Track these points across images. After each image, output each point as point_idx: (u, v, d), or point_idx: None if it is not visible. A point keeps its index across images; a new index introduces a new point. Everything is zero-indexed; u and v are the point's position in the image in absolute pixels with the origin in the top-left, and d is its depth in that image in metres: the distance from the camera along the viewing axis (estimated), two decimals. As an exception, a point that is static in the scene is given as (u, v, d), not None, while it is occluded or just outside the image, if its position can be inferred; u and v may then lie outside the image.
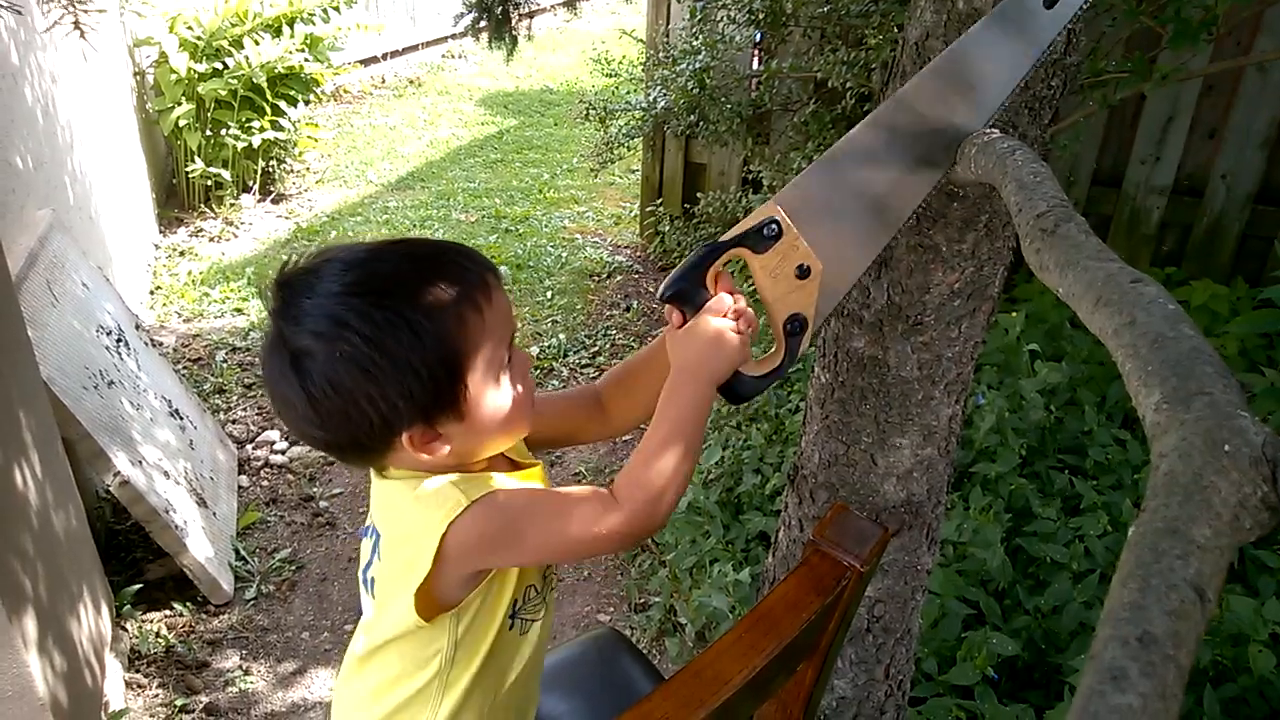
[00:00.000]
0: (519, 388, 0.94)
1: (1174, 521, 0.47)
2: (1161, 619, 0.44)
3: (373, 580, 0.99)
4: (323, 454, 2.73)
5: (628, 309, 3.70)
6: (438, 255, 0.90)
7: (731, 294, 0.96)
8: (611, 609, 2.27)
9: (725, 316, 0.95)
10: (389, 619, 0.94)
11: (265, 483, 2.69)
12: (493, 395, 0.91)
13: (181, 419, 2.56)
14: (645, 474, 0.90)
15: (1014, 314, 2.52)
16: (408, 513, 0.91)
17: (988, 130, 0.97)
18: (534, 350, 3.38)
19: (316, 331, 0.84)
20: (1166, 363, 0.56)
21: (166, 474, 2.26)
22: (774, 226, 0.95)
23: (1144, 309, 0.60)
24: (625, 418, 1.15)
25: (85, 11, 1.09)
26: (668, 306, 0.97)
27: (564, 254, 4.18)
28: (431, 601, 0.91)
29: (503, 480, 0.95)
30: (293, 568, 2.37)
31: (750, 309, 0.97)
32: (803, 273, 0.96)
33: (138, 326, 2.76)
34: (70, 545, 1.83)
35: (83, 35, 1.12)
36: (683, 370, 0.95)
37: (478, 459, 0.96)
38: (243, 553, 2.38)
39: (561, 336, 3.47)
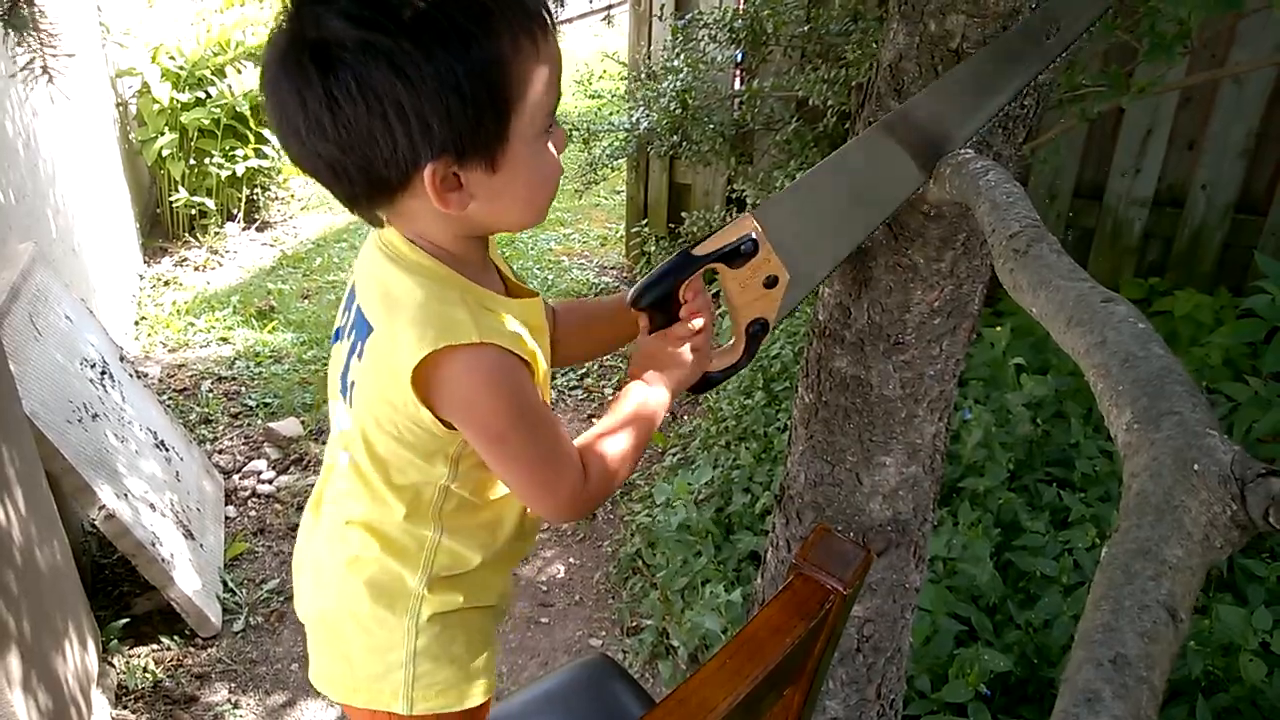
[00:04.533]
0: (554, 162, 0.86)
1: (1146, 542, 0.47)
2: (1134, 641, 0.44)
3: (353, 384, 0.91)
4: (309, 482, 2.72)
5: (615, 330, 3.70)
6: None
7: (704, 311, 0.99)
8: (604, 633, 2.25)
9: (695, 336, 0.99)
10: (375, 415, 0.88)
11: (253, 513, 2.67)
12: (531, 153, 0.82)
13: (167, 450, 2.54)
14: (612, 468, 0.92)
15: (999, 328, 2.53)
16: (408, 309, 0.83)
17: (962, 150, 0.98)
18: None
19: (354, 16, 0.72)
20: (1137, 382, 0.56)
21: (153, 506, 2.25)
22: (751, 244, 0.97)
23: (1114, 328, 0.61)
24: (568, 353, 1.14)
25: (54, 55, 1.09)
26: (635, 311, 1.00)
27: (550, 276, 4.18)
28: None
29: (525, 336, 0.87)
30: (281, 598, 2.35)
31: (713, 320, 1.01)
32: (770, 283, 1.00)
33: (122, 358, 2.75)
34: (55, 581, 1.81)
35: (51, 80, 1.12)
36: (648, 378, 0.98)
37: (489, 230, 0.89)
38: (231, 584, 2.37)
39: (549, 359, 3.46)
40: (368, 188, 0.80)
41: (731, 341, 1.04)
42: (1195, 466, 0.49)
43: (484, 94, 0.76)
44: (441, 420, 0.87)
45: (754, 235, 0.97)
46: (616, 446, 0.93)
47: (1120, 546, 0.48)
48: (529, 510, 0.99)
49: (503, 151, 0.80)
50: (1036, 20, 0.97)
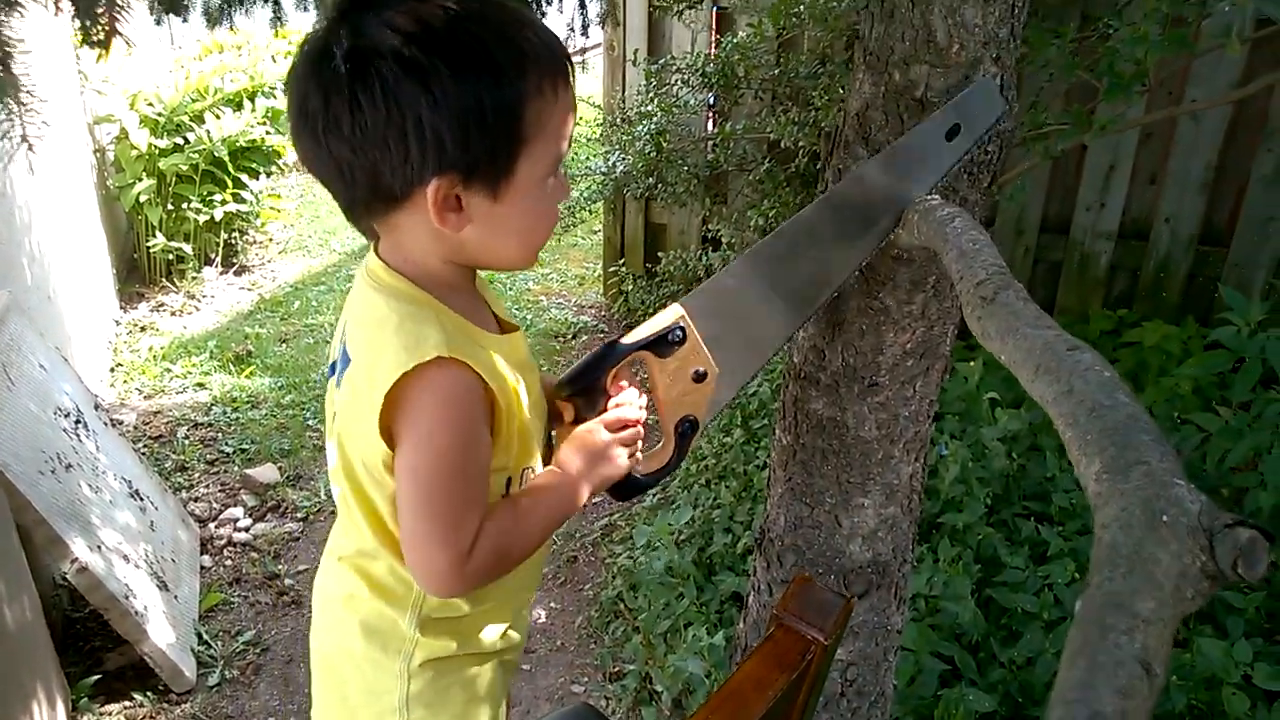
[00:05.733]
0: (552, 209, 0.88)
1: (1117, 595, 0.48)
2: (1111, 698, 0.44)
3: (334, 415, 0.91)
4: (286, 530, 2.70)
5: (594, 369, 3.70)
6: (535, 21, 0.83)
7: (633, 403, 0.97)
8: (586, 679, 2.23)
9: (621, 430, 0.95)
10: (358, 448, 0.87)
11: (229, 562, 2.64)
12: (535, 191, 0.84)
13: (142, 500, 2.51)
14: (501, 550, 0.87)
15: (972, 362, 2.55)
16: (381, 333, 0.84)
17: (929, 196, 1.00)
18: (501, 415, 3.37)
19: (396, 27, 0.75)
20: (1105, 431, 0.57)
21: (126, 558, 2.21)
22: (679, 332, 0.97)
23: (1081, 377, 0.62)
24: None
25: (34, 125, 1.09)
26: (561, 402, 0.98)
27: (529, 316, 4.18)
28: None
29: (497, 361, 0.87)
30: (257, 650, 2.31)
31: (642, 417, 0.98)
32: (699, 377, 0.99)
33: (97, 406, 2.72)
34: (23, 638, 1.78)
35: (31, 149, 1.12)
36: (567, 473, 0.93)
37: (479, 261, 0.89)
38: (205, 636, 2.33)
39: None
40: (370, 194, 0.81)
41: (660, 444, 1.01)
42: (1164, 517, 0.50)
43: (502, 126, 0.78)
44: None
45: (682, 324, 0.97)
46: (512, 533, 0.88)
47: (1093, 600, 0.48)
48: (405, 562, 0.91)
49: (508, 183, 0.82)
50: (938, 125, 0.99)
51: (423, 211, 0.80)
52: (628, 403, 0.97)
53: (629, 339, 0.96)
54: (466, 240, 0.84)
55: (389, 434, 0.84)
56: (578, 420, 0.96)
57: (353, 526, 0.94)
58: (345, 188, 0.82)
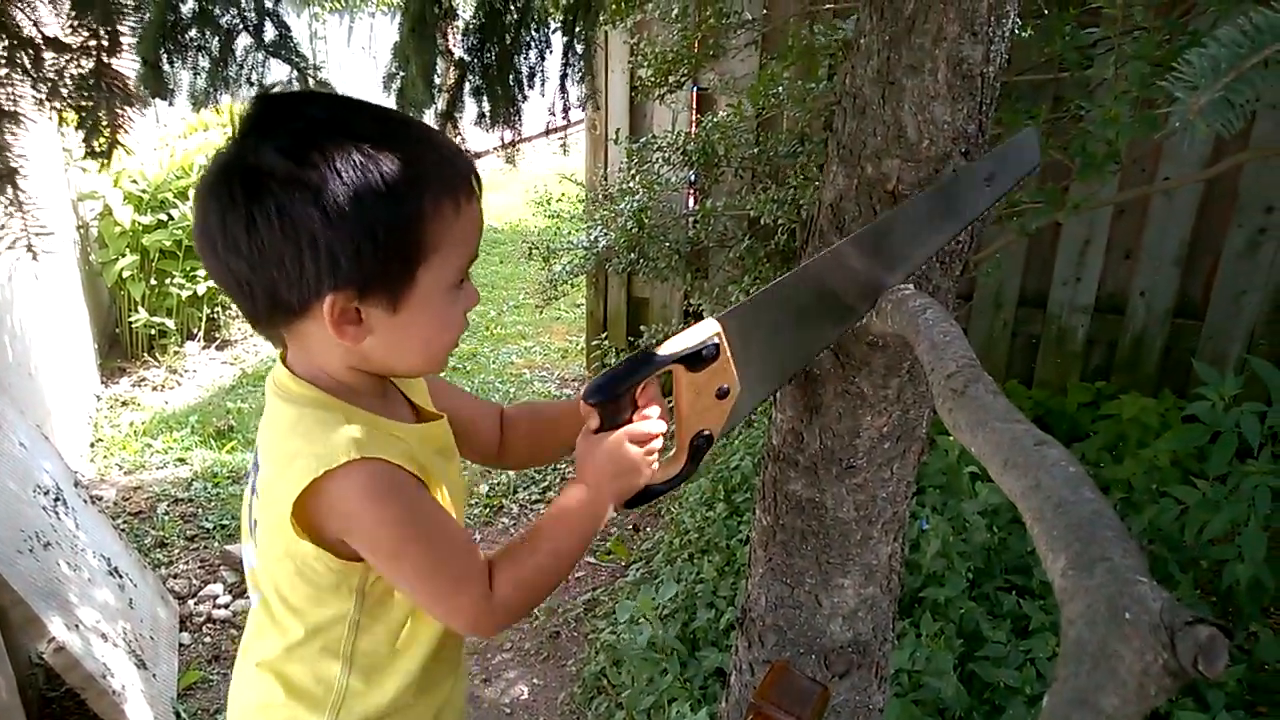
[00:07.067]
0: (457, 318, 0.89)
1: (1083, 692, 0.49)
2: (1077, 795, 0.45)
3: (255, 522, 0.91)
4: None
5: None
6: (436, 139, 0.86)
7: (661, 414, 0.97)
8: (569, 758, 2.20)
9: (646, 442, 0.96)
10: (275, 552, 0.87)
11: (208, 639, 2.60)
12: (434, 304, 0.85)
13: (121, 577, 2.48)
14: (527, 577, 0.89)
15: (953, 436, 2.57)
16: (290, 441, 0.85)
17: (903, 286, 1.03)
18: (483, 488, 3.36)
19: (289, 152, 0.77)
20: (1070, 527, 0.59)
21: (104, 636, 2.18)
22: (714, 348, 0.96)
23: (1047, 472, 0.64)
24: (517, 456, 1.15)
25: (38, 235, 1.12)
26: (587, 407, 0.97)
27: (512, 389, 4.20)
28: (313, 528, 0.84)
29: (414, 449, 0.88)
30: (235, 732, 2.27)
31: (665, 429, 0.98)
32: (722, 394, 0.98)
33: (77, 483, 2.70)
34: (-3, 723, 1.75)
35: (35, 258, 1.15)
36: (590, 483, 0.94)
37: (383, 368, 0.90)
38: (184, 715, 2.29)
39: (511, 473, 3.45)
40: (269, 307, 0.83)
41: (674, 453, 1.00)
42: (1127, 614, 0.51)
43: (396, 243, 0.80)
44: (334, 552, 0.86)
45: (717, 340, 0.96)
46: (535, 557, 0.90)
47: (1059, 696, 0.50)
48: (446, 625, 0.94)
49: (406, 297, 0.83)
50: (978, 170, 1.03)
51: (322, 323, 0.82)
52: (654, 415, 0.96)
53: (665, 351, 0.94)
54: (368, 350, 0.86)
55: (314, 533, 0.85)
56: (602, 428, 0.95)
57: (274, 628, 0.93)
58: (246, 301, 0.84)
